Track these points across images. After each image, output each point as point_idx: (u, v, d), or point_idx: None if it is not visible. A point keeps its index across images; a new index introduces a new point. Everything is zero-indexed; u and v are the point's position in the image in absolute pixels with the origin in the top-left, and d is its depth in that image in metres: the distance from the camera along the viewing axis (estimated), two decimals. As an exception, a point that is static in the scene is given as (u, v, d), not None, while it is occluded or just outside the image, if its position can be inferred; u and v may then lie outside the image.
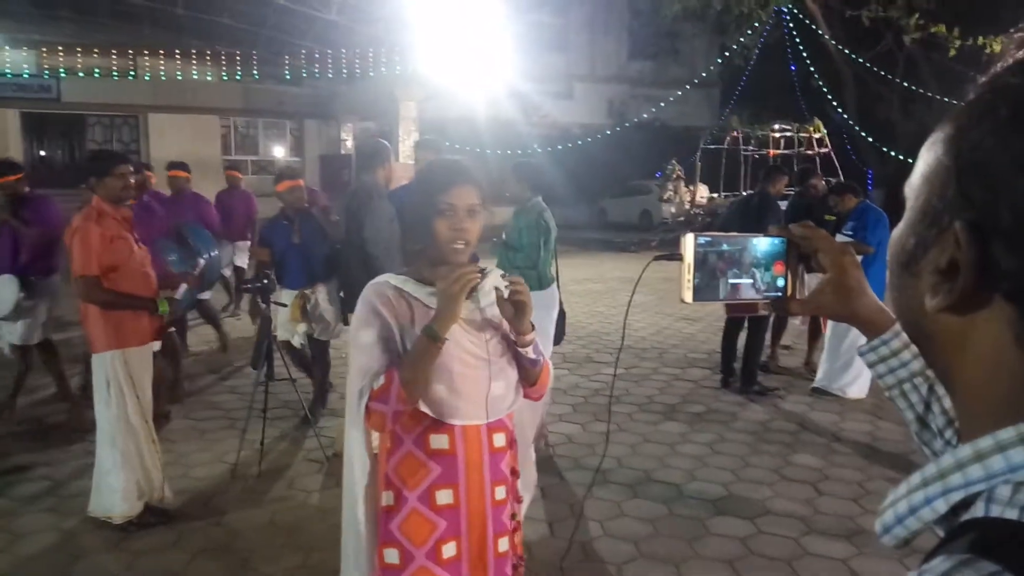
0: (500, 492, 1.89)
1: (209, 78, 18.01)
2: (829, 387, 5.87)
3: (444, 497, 1.79)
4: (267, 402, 4.15)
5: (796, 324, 6.84)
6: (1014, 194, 0.48)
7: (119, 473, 3.50)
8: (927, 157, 0.57)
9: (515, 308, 1.76)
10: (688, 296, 1.03)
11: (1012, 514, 0.48)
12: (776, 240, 1.03)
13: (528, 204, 4.41)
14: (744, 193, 14.40)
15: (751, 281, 1.04)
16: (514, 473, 1.97)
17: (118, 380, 3.44)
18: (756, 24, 17.88)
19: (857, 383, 5.80)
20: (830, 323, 5.94)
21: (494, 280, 1.84)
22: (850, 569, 3.32)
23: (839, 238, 5.85)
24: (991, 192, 0.49)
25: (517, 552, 1.99)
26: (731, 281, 1.03)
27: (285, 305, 4.40)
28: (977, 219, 0.50)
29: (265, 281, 4.01)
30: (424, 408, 1.76)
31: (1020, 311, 0.49)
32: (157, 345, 3.70)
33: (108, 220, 3.46)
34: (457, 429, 1.81)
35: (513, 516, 1.96)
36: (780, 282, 1.04)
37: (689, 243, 1.02)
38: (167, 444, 4.61)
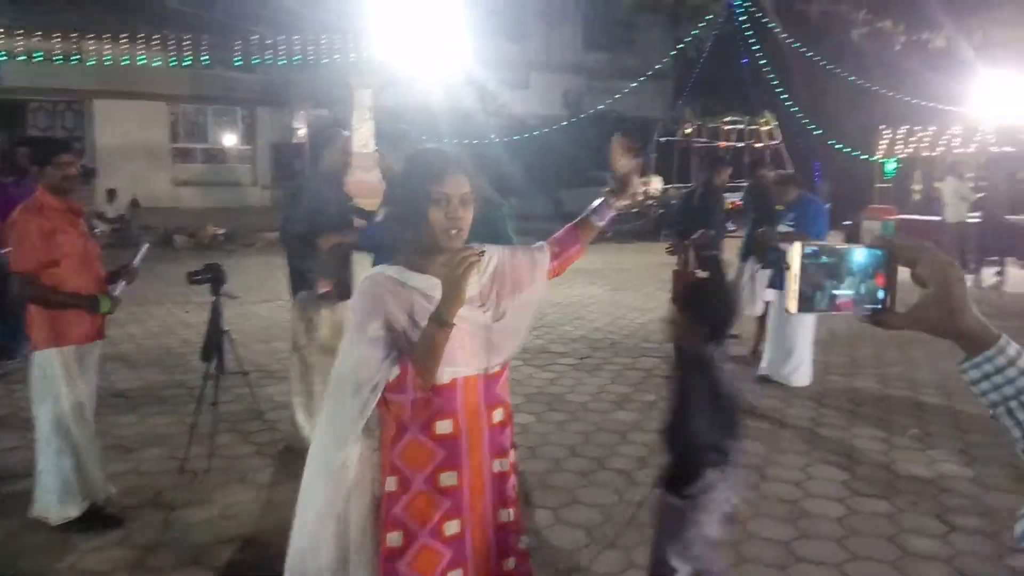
0: (500, 464, 1.97)
1: (157, 63, 17.52)
2: (774, 375, 6.03)
3: (448, 479, 1.87)
4: (218, 395, 4.11)
5: (747, 315, 6.98)
6: None
7: (55, 473, 3.42)
8: None
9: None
10: (793, 306, 1.01)
11: None
12: (877, 251, 1.02)
13: (486, 195, 4.40)
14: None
15: (852, 292, 1.02)
16: (513, 446, 2.05)
17: (55, 378, 3.36)
18: (709, 17, 18.10)
19: (800, 371, 5.96)
20: (773, 314, 6.09)
21: (490, 253, 1.97)
22: (792, 552, 3.44)
23: (781, 228, 6.03)
24: None
25: (519, 525, 2.06)
26: (832, 292, 1.01)
27: (236, 297, 4.34)
28: None
29: (214, 273, 3.96)
30: (443, 380, 1.83)
31: None
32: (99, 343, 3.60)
33: (50, 212, 3.36)
34: (460, 412, 1.86)
35: (513, 487, 2.04)
36: (880, 294, 1.02)
37: (796, 252, 0.99)
38: (114, 441, 4.53)
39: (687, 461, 2.42)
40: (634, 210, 19.37)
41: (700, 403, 2.37)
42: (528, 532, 3.45)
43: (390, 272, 1.87)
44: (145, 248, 3.66)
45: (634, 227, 17.88)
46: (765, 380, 6.06)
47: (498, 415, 1.97)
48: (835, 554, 3.40)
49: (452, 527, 1.87)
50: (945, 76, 15.64)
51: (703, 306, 2.48)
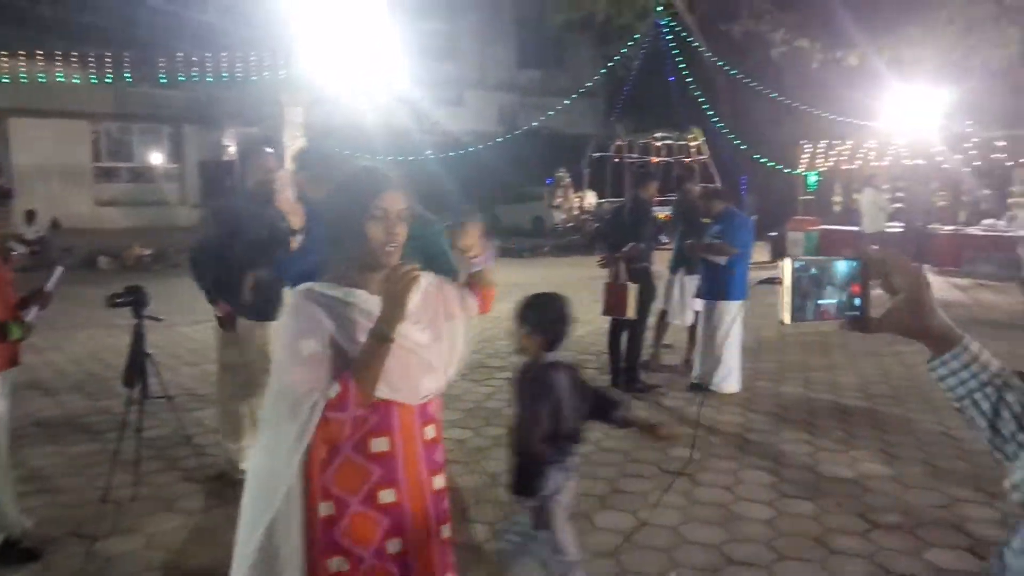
0: (438, 481, 1.98)
1: (76, 81, 16.93)
2: (706, 383, 6.17)
3: (387, 496, 1.85)
4: (142, 421, 3.97)
5: (677, 324, 7.14)
6: None
7: None
8: None
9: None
10: (787, 318, 1.08)
11: None
12: (852, 262, 1.09)
13: (418, 213, 4.38)
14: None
15: (834, 301, 1.09)
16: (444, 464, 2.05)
17: None
18: (636, 36, 18.57)
19: (729, 378, 6.13)
20: (701, 323, 6.26)
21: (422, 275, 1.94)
22: (723, 554, 3.52)
23: (707, 240, 6.21)
24: None
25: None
26: (817, 302, 1.08)
27: (160, 319, 4.21)
28: None
29: (135, 296, 3.85)
30: (386, 397, 1.82)
31: None
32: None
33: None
34: (396, 428, 1.86)
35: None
36: (856, 302, 1.10)
37: (788, 268, 1.07)
38: (31, 471, 4.34)
39: (530, 463, 2.61)
40: (570, 224, 19.65)
41: (539, 409, 2.56)
42: (465, 547, 3.45)
43: (322, 288, 1.85)
44: (59, 271, 3.52)
45: (569, 241, 18.11)
46: (697, 388, 6.20)
47: (430, 431, 1.97)
48: (764, 555, 3.50)
49: (394, 545, 1.86)
50: (860, 92, 16.40)
51: (539, 316, 2.67)
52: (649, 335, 6.94)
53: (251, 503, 1.85)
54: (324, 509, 1.83)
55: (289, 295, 1.90)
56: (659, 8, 17.80)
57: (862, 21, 15.12)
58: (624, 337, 6.33)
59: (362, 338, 1.79)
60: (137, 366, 3.88)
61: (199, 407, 5.64)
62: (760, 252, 13.67)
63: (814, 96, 17.07)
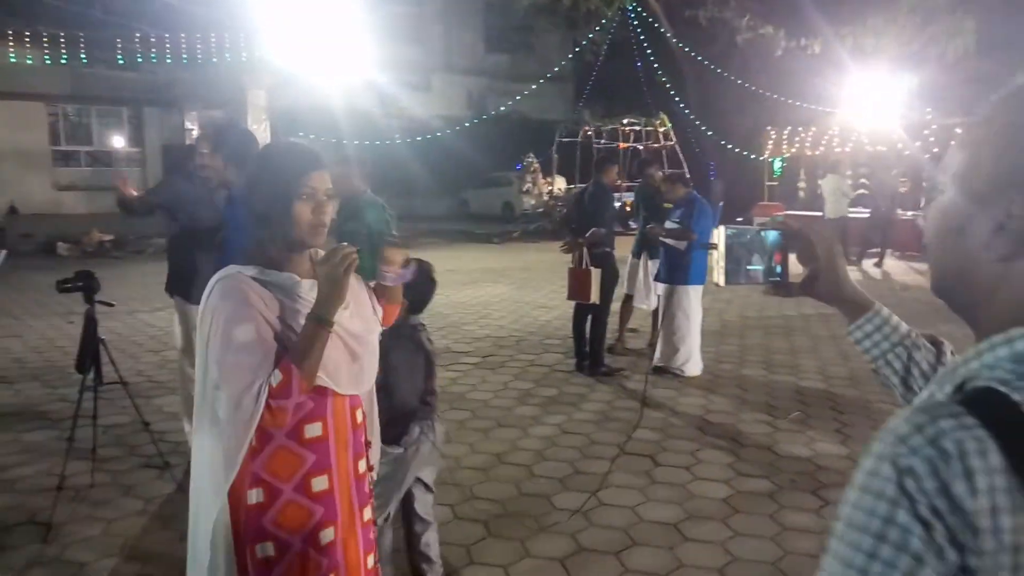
0: (362, 465, 1.94)
1: (30, 61, 16.47)
2: (668, 366, 6.26)
3: (320, 484, 1.80)
4: (96, 408, 3.92)
5: (643, 309, 7.22)
6: None
7: None
8: (963, 155, 0.77)
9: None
10: (721, 279, 1.23)
11: (1007, 391, 0.65)
12: (774, 233, 1.20)
13: (365, 197, 4.25)
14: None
15: (761, 267, 1.21)
16: (367, 444, 2.02)
17: None
18: (604, 21, 18.57)
19: (691, 361, 6.22)
20: (662, 306, 6.34)
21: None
22: (679, 531, 3.59)
23: (668, 224, 6.28)
24: None
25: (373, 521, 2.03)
26: (749, 267, 1.20)
27: (112, 304, 4.16)
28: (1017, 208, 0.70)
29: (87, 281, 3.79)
30: (324, 383, 1.76)
31: None
32: None
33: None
34: (329, 414, 1.82)
35: (370, 485, 2.01)
36: (778, 269, 1.21)
37: (721, 234, 1.19)
38: (-14, 459, 4.27)
39: (396, 416, 2.77)
40: (539, 210, 19.66)
41: (404, 366, 2.80)
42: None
43: (249, 272, 1.77)
44: (3, 255, 3.46)
45: (539, 226, 18.13)
46: (660, 371, 6.28)
47: (359, 415, 1.95)
48: (720, 532, 3.58)
49: (327, 535, 1.82)
50: (823, 79, 16.62)
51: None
52: (615, 319, 7.02)
53: (199, 502, 1.80)
54: (254, 496, 1.76)
55: (212, 281, 1.80)
56: (626, -7, 17.83)
57: (826, 9, 15.29)
58: (588, 321, 6.38)
59: (296, 323, 1.75)
60: (89, 352, 3.82)
61: (159, 394, 5.58)
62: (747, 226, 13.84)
63: (779, 83, 17.26)
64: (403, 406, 2.83)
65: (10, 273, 3.62)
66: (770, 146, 18.70)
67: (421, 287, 2.80)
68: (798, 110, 16.96)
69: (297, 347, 1.72)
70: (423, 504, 3.00)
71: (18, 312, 8.53)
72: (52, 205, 18.92)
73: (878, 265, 13.13)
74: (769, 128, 18.48)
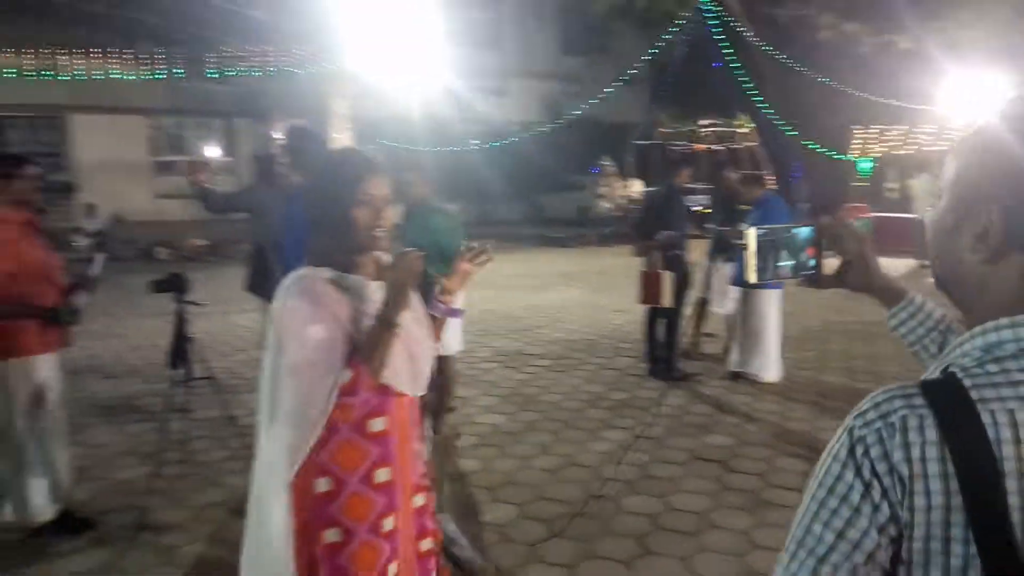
0: (417, 461, 2.03)
1: (132, 77, 17.49)
2: (745, 371, 6.15)
3: (382, 475, 1.89)
4: (188, 402, 4.17)
5: (719, 313, 7.11)
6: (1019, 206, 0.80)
7: (27, 479, 3.48)
8: (955, 165, 0.87)
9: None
10: (753, 277, 1.28)
11: (965, 375, 0.77)
12: (808, 229, 1.29)
13: (431, 203, 4.31)
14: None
15: (791, 263, 1.28)
16: (424, 437, 2.15)
17: (16, 389, 3.40)
18: (680, 22, 18.33)
19: (768, 366, 6.09)
20: (739, 309, 6.22)
21: None
22: (750, 539, 3.55)
23: (747, 233, 6.16)
24: (1012, 190, 0.80)
25: (431, 517, 2.11)
26: (778, 264, 1.28)
27: (200, 304, 4.40)
28: (1005, 206, 0.80)
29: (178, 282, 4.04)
30: (389, 381, 1.85)
31: None
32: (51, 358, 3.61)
33: (7, 226, 3.38)
34: (392, 409, 1.90)
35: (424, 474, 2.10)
36: (811, 263, 1.29)
37: (752, 235, 1.27)
38: (90, 449, 4.59)
39: None
40: (615, 213, 19.55)
41: None
42: (493, 527, 3.56)
43: (324, 274, 1.86)
44: (101, 258, 3.71)
45: (614, 230, 18.01)
46: (736, 376, 6.19)
47: (415, 414, 2.04)
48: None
49: (388, 523, 1.90)
50: (913, 76, 15.93)
51: None
52: (689, 323, 6.95)
53: (261, 484, 1.90)
54: (322, 485, 1.85)
55: (287, 281, 1.89)
56: (703, -8, 17.54)
57: (913, 3, 14.67)
58: (662, 325, 6.34)
59: (364, 323, 1.83)
60: (180, 349, 4.07)
61: (247, 390, 5.85)
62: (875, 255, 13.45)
63: (865, 80, 16.61)
64: None
65: (112, 276, 3.92)
66: (857, 145, 18.05)
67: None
68: (886, 108, 16.31)
69: (365, 347, 1.81)
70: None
71: (119, 313, 9.08)
72: (152, 213, 19.97)
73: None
74: (855, 126, 17.84)
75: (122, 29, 17.14)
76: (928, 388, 0.78)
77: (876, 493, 0.77)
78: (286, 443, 1.83)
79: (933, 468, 0.74)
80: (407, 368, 1.92)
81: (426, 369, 2.01)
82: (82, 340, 3.96)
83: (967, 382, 0.76)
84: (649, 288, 6.11)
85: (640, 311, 6.58)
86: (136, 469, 4.34)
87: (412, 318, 1.96)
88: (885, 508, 0.77)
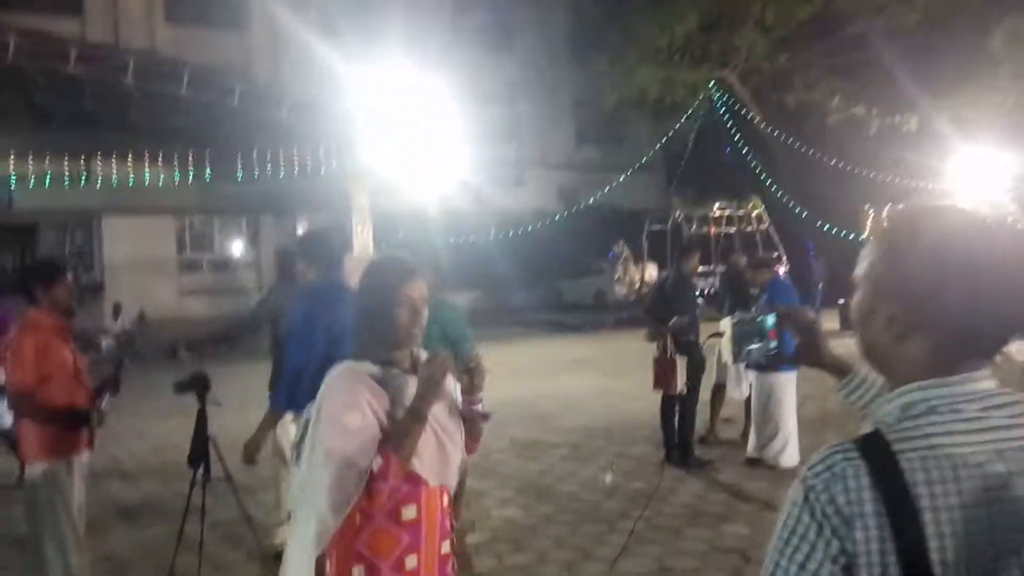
0: (445, 547, 2.12)
1: (161, 180, 18.27)
2: (762, 456, 6.08)
3: (411, 562, 2.00)
4: (205, 502, 4.20)
5: (735, 398, 7.08)
6: (917, 292, 0.97)
7: None
8: (867, 262, 1.05)
9: (471, 377, 2.15)
10: (730, 359, 1.60)
11: (889, 432, 0.95)
12: (772, 317, 1.55)
13: (439, 297, 4.32)
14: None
15: (759, 345, 1.55)
16: (452, 526, 2.20)
17: (46, 489, 3.50)
18: (690, 111, 18.89)
19: (787, 451, 6.02)
20: (754, 395, 6.21)
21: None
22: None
23: (723, 325, 6.21)
24: (905, 287, 0.99)
25: None
26: (748, 347, 1.56)
27: (220, 404, 4.49)
28: (904, 299, 0.99)
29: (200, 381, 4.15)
30: (416, 470, 1.98)
31: (928, 338, 0.98)
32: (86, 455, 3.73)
33: (43, 331, 3.56)
34: (423, 498, 2.02)
35: (452, 564, 2.18)
36: (772, 344, 1.55)
37: (727, 323, 1.60)
38: (108, 552, 4.61)
39: None
40: (631, 298, 19.66)
41: None
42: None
43: (362, 367, 2.04)
44: (127, 361, 3.86)
45: (631, 315, 18.08)
46: (754, 462, 6.11)
47: (446, 500, 2.15)
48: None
49: None
50: (923, 154, 16.19)
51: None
52: (705, 409, 6.91)
53: (296, 562, 2.03)
54: (356, 573, 1.97)
55: (331, 372, 2.08)
56: (712, 84, 18.14)
57: (919, 84, 15.06)
58: (676, 411, 6.32)
59: (397, 413, 1.98)
60: (200, 449, 4.14)
61: (263, 489, 5.87)
62: (830, 319, 13.38)
63: (875, 160, 16.93)
64: None
65: (136, 375, 4.06)
66: (870, 224, 18.17)
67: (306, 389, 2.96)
68: (897, 187, 16.52)
69: (395, 436, 1.96)
70: None
71: (142, 411, 9.21)
72: (178, 310, 20.40)
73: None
74: (868, 206, 18.01)
75: (154, 134, 18.00)
76: (860, 443, 0.95)
77: (827, 530, 0.92)
78: (316, 523, 1.93)
79: (868, 508, 0.91)
80: (436, 459, 2.06)
81: (455, 462, 2.14)
82: (104, 441, 4.06)
83: (890, 436, 0.94)
84: (662, 374, 6.14)
85: (656, 397, 6.57)
86: (154, 573, 4.35)
87: (445, 413, 2.12)
88: (835, 543, 0.92)
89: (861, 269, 1.05)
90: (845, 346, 1.41)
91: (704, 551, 4.42)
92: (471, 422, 2.22)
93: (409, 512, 2.00)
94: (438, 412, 2.07)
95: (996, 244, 0.96)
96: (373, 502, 1.95)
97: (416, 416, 1.96)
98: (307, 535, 1.96)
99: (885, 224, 1.08)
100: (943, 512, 0.89)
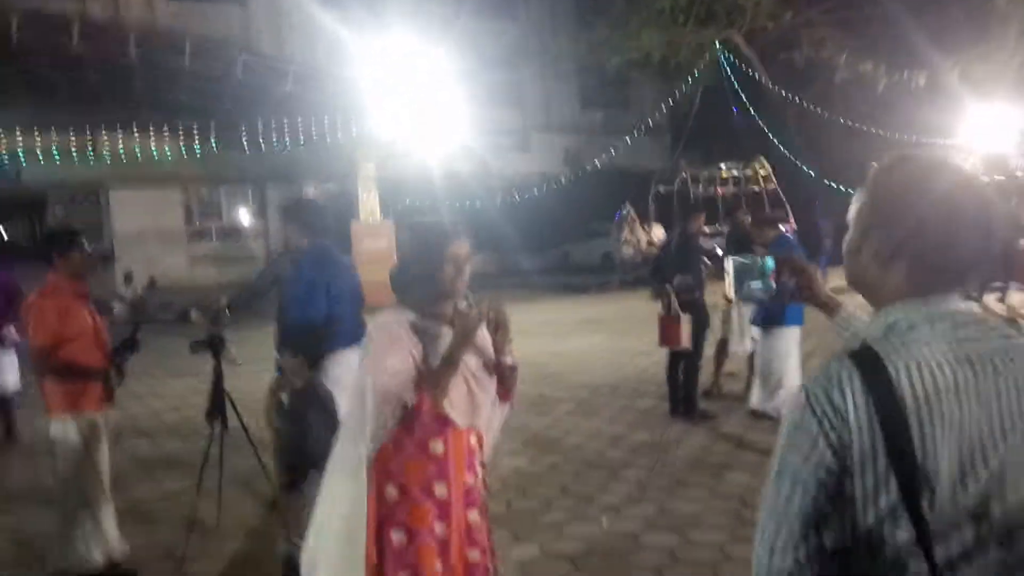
0: (470, 479, 2.37)
1: (168, 152, 18.35)
2: (765, 408, 6.20)
3: (440, 490, 2.28)
4: (223, 452, 4.36)
5: (738, 353, 7.19)
6: (896, 227, 1.16)
7: (71, 531, 3.69)
8: (856, 206, 1.24)
9: (498, 325, 2.33)
10: (731, 294, 1.84)
11: (877, 344, 1.12)
12: (770, 260, 1.77)
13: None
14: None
15: (759, 285, 1.76)
16: (483, 465, 2.45)
17: (71, 443, 3.66)
18: (696, 72, 18.72)
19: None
20: (758, 350, 6.31)
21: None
22: (767, 569, 3.60)
23: (727, 264, 6.30)
24: (888, 223, 1.18)
25: (485, 533, 2.43)
26: (750, 284, 1.77)
27: (239, 364, 4.63)
28: (887, 232, 1.18)
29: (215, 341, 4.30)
30: (447, 411, 2.24)
31: (907, 265, 1.16)
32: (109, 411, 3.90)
33: (62, 294, 3.71)
34: (450, 436, 2.28)
35: (483, 497, 2.44)
36: (772, 285, 1.76)
37: (730, 262, 1.80)
38: (131, 503, 4.79)
39: (305, 460, 3.16)
40: (638, 259, 19.70)
41: (316, 424, 3.19)
42: (515, 565, 3.67)
43: (405, 315, 2.30)
44: (141, 323, 4.02)
45: (637, 275, 18.15)
46: (757, 414, 6.23)
47: (473, 439, 2.40)
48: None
49: (440, 528, 2.28)
50: (932, 111, 16.04)
51: (298, 342, 3.39)
52: (710, 364, 7.03)
53: (332, 481, 2.30)
54: (392, 492, 2.26)
55: (375, 320, 2.36)
56: (717, 44, 17.95)
57: (927, 40, 14.88)
58: (682, 366, 6.44)
59: (433, 359, 2.24)
60: (217, 404, 4.29)
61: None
62: (837, 277, 13.42)
63: (883, 117, 16.77)
64: (311, 454, 3.16)
65: (148, 340, 4.22)
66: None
67: (313, 345, 3.29)
68: (906, 144, 16.40)
69: (430, 378, 2.22)
70: None
71: (157, 374, 9.41)
72: (188, 278, 20.62)
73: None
74: (874, 164, 17.88)
75: (159, 106, 18.02)
76: (852, 354, 1.12)
77: (826, 424, 1.08)
78: (361, 446, 2.23)
79: (859, 402, 1.07)
80: (466, 403, 2.32)
81: (484, 408, 2.39)
82: (122, 400, 4.22)
83: (877, 348, 1.11)
84: (667, 331, 6.24)
85: (663, 354, 6.69)
86: (173, 519, 4.53)
87: (478, 364, 2.36)
88: (833, 435, 1.08)
89: (852, 211, 1.24)
90: (856, 303, 1.56)
91: (705, 497, 4.56)
92: (503, 375, 2.43)
93: (437, 446, 2.27)
94: (471, 362, 2.32)
95: (954, 186, 1.16)
96: (406, 433, 2.24)
97: (449, 361, 2.22)
98: (350, 456, 2.25)
99: (871, 171, 1.23)
100: (923, 407, 1.06)
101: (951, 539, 1.06)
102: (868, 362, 1.09)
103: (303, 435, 3.26)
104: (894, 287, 1.17)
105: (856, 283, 1.26)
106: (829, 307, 1.69)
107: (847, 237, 1.25)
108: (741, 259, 1.78)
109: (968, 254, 1.16)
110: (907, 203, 1.16)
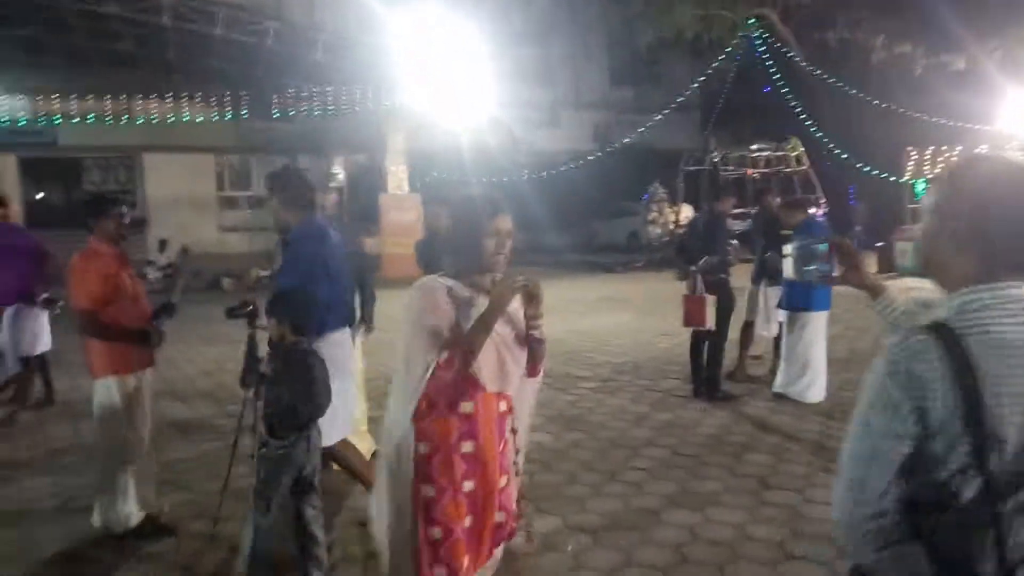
0: (499, 442, 2.48)
1: (200, 119, 18.53)
2: (788, 392, 6.23)
3: (468, 447, 2.39)
4: (256, 420, 4.49)
5: (764, 336, 7.20)
6: (972, 219, 1.33)
7: (113, 490, 3.85)
8: (933, 194, 1.41)
9: (531, 299, 2.43)
10: (792, 274, 2.30)
11: (952, 321, 1.28)
12: (825, 245, 1.92)
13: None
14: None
15: (815, 267, 1.93)
16: (513, 431, 2.57)
17: (114, 403, 3.81)
18: (728, 49, 18.45)
19: (814, 387, 6.16)
20: (784, 333, 6.33)
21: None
22: (785, 550, 3.67)
23: (787, 248, 6.29)
24: (966, 214, 1.34)
25: (511, 497, 2.56)
26: (807, 267, 1.94)
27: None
28: (965, 222, 1.34)
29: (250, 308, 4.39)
30: (475, 373, 2.35)
31: (979, 253, 1.32)
32: (150, 373, 4.05)
33: (104, 258, 3.84)
34: (480, 398, 2.39)
35: (514, 463, 2.58)
36: (827, 267, 1.91)
37: (793, 244, 2.15)
38: (167, 464, 4.97)
39: (283, 421, 3.26)
40: (665, 239, 19.64)
41: (296, 385, 3.22)
42: (537, 535, 3.77)
43: (445, 281, 2.41)
44: (181, 283, 4.12)
45: (663, 255, 18.11)
46: (780, 397, 6.27)
47: (503, 405, 2.51)
48: (820, 552, 3.62)
49: (468, 485, 2.40)
50: (969, 95, 15.71)
51: (283, 309, 3.32)
52: (735, 346, 7.06)
53: (392, 424, 2.46)
54: (422, 448, 2.39)
55: (416, 283, 2.47)
56: (751, 21, 17.66)
57: (967, 23, 14.53)
58: (706, 347, 6.48)
59: (467, 323, 2.34)
60: (251, 370, 4.41)
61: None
62: (868, 263, 13.30)
63: (920, 101, 16.46)
64: (291, 414, 3.25)
65: (183, 306, 4.33)
66: (911, 167, 17.80)
67: (295, 312, 3.30)
68: (942, 129, 16.10)
69: (464, 340, 2.32)
70: (308, 493, 3.43)
71: (190, 340, 9.63)
72: (218, 245, 20.93)
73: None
74: (910, 148, 17.60)
75: (192, 74, 18.18)
76: (930, 328, 1.28)
77: (910, 391, 1.24)
78: (402, 397, 2.41)
79: (938, 373, 1.23)
80: (495, 369, 2.42)
81: (512, 375, 2.48)
82: (157, 365, 4.37)
83: (952, 324, 1.27)
84: (692, 312, 6.28)
85: (687, 334, 6.73)
86: (209, 482, 4.70)
87: (511, 333, 2.46)
88: (913, 401, 1.24)
89: (927, 203, 1.42)
90: (898, 287, 1.78)
91: (724, 476, 4.63)
92: (532, 348, 2.51)
93: (466, 407, 2.38)
94: (504, 331, 2.41)
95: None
96: (437, 391, 2.35)
97: (483, 325, 2.32)
98: (402, 405, 2.40)
99: (946, 169, 1.44)
100: (995, 379, 1.21)
101: (1013, 495, 1.22)
102: (946, 337, 1.24)
103: (292, 397, 3.27)
104: (966, 272, 1.32)
105: (931, 264, 1.41)
106: (875, 291, 1.83)
107: (924, 223, 1.41)
108: (801, 243, 1.95)
109: None
110: (985, 199, 1.31)
